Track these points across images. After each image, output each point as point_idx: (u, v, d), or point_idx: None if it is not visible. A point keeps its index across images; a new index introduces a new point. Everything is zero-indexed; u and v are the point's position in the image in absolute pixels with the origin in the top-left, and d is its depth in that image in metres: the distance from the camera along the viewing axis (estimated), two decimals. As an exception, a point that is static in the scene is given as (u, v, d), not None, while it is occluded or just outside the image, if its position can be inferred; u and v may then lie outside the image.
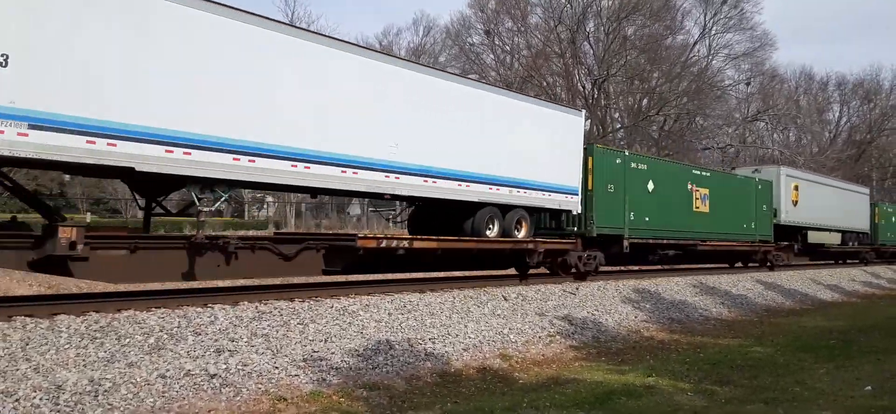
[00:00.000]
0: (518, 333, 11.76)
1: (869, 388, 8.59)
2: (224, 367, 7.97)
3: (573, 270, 17.02)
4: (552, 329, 12.37)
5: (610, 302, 15.05)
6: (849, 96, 68.25)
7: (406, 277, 15.35)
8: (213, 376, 7.73)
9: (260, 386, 7.84)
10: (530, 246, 15.44)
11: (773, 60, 56.05)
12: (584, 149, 17.30)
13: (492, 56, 49.90)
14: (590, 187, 17.00)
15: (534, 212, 15.76)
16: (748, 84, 53.55)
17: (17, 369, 6.96)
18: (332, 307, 10.52)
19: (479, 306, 12.45)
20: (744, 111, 56.07)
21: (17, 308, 8.57)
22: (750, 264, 26.45)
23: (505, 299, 13.24)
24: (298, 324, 9.62)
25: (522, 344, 11.36)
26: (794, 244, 28.33)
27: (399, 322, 10.70)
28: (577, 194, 16.53)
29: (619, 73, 45.97)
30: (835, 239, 31.62)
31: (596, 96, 46.20)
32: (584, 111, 18.68)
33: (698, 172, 22.44)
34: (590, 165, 17.14)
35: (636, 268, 21.66)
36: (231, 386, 7.67)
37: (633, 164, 18.96)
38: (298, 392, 7.92)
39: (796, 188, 28.08)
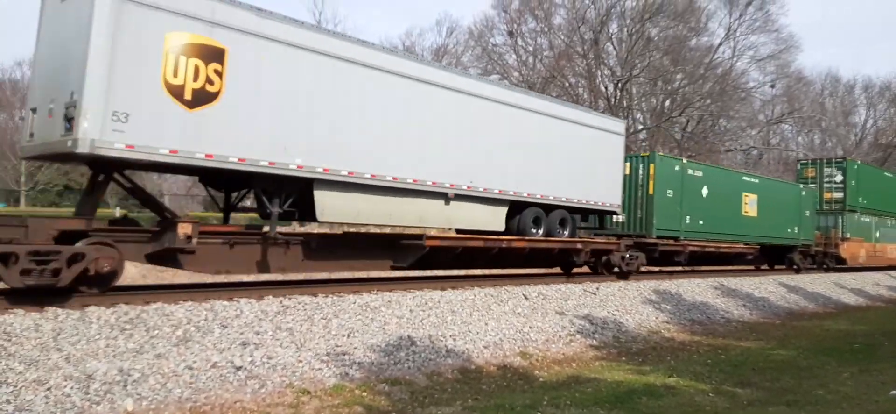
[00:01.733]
0: (538, 331, 11.79)
1: (894, 392, 8.52)
2: (249, 359, 8.11)
3: None
4: (572, 328, 12.38)
5: (630, 302, 15.01)
6: (875, 99, 67.20)
7: (426, 274, 15.39)
8: (238, 369, 7.88)
9: (284, 379, 7.97)
10: None
11: (798, 62, 55.42)
12: None
13: (514, 57, 49.82)
14: None
15: None
16: (773, 86, 52.89)
17: (49, 359, 7.14)
18: (354, 303, 10.64)
19: (499, 304, 12.49)
20: (768, 113, 55.43)
21: (49, 299, 8.78)
22: None
23: (525, 298, 13.27)
24: (322, 319, 9.74)
25: (542, 342, 11.40)
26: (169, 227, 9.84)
27: (420, 319, 10.78)
28: None
29: (642, 74, 45.66)
30: (475, 218, 13.89)
31: (618, 97, 45.95)
32: None
33: None
34: None
35: None
36: (256, 378, 7.81)
37: None
38: (322, 386, 8.04)
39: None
